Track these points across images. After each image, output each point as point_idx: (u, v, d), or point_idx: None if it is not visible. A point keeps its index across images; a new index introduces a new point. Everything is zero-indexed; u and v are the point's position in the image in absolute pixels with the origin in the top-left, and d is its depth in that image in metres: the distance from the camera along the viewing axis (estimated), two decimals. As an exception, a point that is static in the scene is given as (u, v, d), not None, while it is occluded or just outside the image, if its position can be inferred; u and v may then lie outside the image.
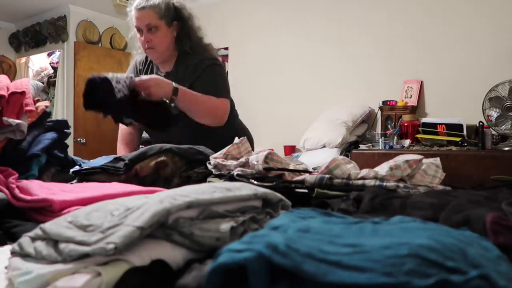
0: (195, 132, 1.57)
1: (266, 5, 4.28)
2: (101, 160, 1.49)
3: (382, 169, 0.86)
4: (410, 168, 0.87)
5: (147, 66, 1.75)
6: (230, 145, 1.12)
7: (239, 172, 0.93)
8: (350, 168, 0.88)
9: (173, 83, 1.44)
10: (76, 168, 1.06)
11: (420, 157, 0.90)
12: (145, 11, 1.56)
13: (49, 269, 0.43)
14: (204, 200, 0.52)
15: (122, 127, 1.89)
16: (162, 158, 1.03)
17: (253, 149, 1.63)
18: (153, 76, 1.45)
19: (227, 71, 4.27)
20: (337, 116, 3.34)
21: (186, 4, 1.67)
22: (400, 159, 0.89)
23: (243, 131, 1.80)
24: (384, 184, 0.81)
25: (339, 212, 0.66)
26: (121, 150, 1.87)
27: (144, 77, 1.40)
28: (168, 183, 1.03)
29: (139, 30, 1.61)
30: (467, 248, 0.36)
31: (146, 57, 1.76)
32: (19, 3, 4.97)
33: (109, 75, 1.29)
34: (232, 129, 1.68)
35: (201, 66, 1.61)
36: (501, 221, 0.49)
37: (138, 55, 1.79)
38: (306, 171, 0.92)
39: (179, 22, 1.64)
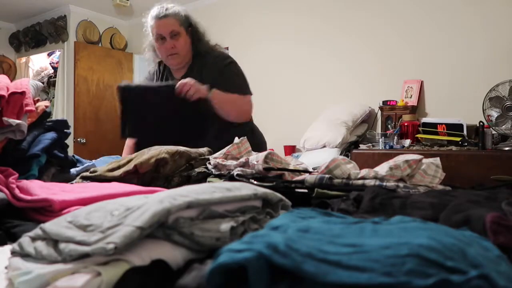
0: (217, 130, 1.61)
1: (266, 6, 4.27)
2: (104, 161, 1.50)
3: (382, 169, 0.86)
4: (410, 168, 0.87)
5: (161, 75, 1.83)
6: (230, 145, 1.12)
7: (239, 172, 0.93)
8: (350, 168, 0.88)
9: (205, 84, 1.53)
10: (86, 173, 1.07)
11: (420, 157, 0.90)
12: (167, 19, 1.68)
13: (49, 269, 0.43)
14: (204, 200, 0.52)
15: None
16: (163, 155, 1.02)
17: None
18: (187, 79, 1.51)
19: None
20: (337, 116, 3.34)
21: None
22: (400, 159, 0.89)
23: (257, 131, 1.89)
24: (384, 184, 0.81)
25: (339, 212, 0.66)
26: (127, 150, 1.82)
27: (183, 82, 1.48)
28: (168, 182, 1.03)
29: (161, 38, 1.70)
30: (466, 248, 0.36)
31: (159, 67, 1.85)
32: (19, 3, 4.97)
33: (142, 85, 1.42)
34: (247, 127, 1.74)
35: (219, 64, 1.70)
36: (501, 221, 0.49)
37: (150, 68, 1.91)
38: (306, 171, 0.92)
39: (191, 28, 1.76)
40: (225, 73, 1.69)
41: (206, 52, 1.76)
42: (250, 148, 1.15)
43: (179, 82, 1.47)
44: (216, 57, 1.74)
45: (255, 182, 0.87)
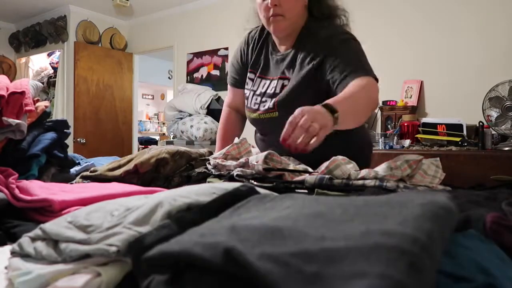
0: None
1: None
2: (105, 160, 1.50)
3: (382, 169, 0.86)
4: (410, 168, 0.87)
5: (261, 44, 1.39)
6: (230, 145, 1.11)
7: (238, 173, 0.93)
8: (350, 168, 0.88)
9: (327, 111, 0.90)
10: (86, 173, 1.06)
11: (420, 157, 0.90)
12: None
13: (49, 269, 0.43)
14: (203, 202, 0.52)
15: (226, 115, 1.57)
16: (163, 155, 1.02)
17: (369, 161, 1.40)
18: (303, 112, 0.86)
19: (227, 72, 4.26)
20: (337, 116, 3.33)
21: None
22: (400, 159, 0.89)
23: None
24: (384, 184, 0.81)
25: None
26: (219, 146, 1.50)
27: (287, 137, 0.85)
28: (168, 182, 1.03)
29: None
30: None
31: (261, 32, 1.41)
32: (19, 3, 4.98)
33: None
34: (361, 131, 1.35)
35: (334, 40, 1.23)
36: (501, 221, 0.49)
37: (250, 30, 1.47)
38: (306, 171, 0.92)
39: None
40: (341, 48, 1.21)
41: (324, 19, 1.30)
42: (250, 148, 1.14)
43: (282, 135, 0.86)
44: (333, 32, 1.25)
45: (255, 183, 0.87)
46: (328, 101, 0.95)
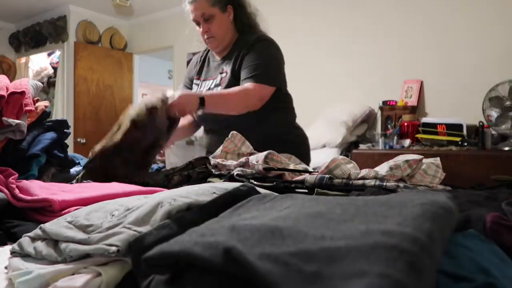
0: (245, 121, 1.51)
1: (265, 6, 4.27)
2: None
3: (382, 169, 0.86)
4: (410, 168, 0.87)
5: (204, 57, 1.78)
6: (224, 142, 1.13)
7: (239, 172, 0.93)
8: (350, 168, 0.88)
9: (198, 93, 1.43)
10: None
11: (420, 157, 0.90)
12: (197, 2, 1.59)
13: (49, 269, 0.43)
14: (203, 202, 0.52)
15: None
16: (155, 104, 1.13)
17: (309, 159, 1.69)
18: (178, 94, 1.35)
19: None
20: (337, 116, 3.34)
21: None
22: (400, 159, 0.89)
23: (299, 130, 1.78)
24: (384, 184, 0.81)
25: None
26: None
27: (171, 97, 1.32)
28: (168, 181, 1.03)
29: (197, 23, 1.64)
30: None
31: (205, 48, 1.78)
32: (19, 3, 4.98)
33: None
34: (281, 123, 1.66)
35: (253, 42, 1.59)
36: (501, 221, 0.49)
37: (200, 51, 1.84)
38: (306, 171, 0.92)
39: (234, 5, 1.65)
40: (252, 51, 1.56)
41: (249, 30, 1.66)
42: (244, 139, 1.17)
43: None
44: (257, 36, 1.62)
45: (255, 182, 0.87)
46: (205, 93, 1.45)
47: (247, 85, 1.51)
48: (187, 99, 1.36)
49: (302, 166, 1.01)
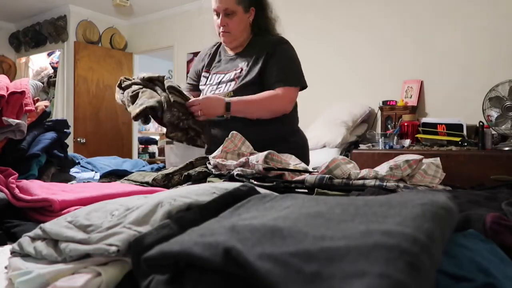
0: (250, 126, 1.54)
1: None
2: (104, 160, 1.50)
3: (382, 169, 0.86)
4: (410, 168, 0.87)
5: (215, 51, 1.78)
6: (224, 142, 1.13)
7: (239, 172, 0.93)
8: (350, 168, 0.88)
9: (225, 98, 1.49)
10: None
11: (420, 157, 0.90)
12: None
13: (49, 269, 0.43)
14: (203, 202, 0.52)
15: None
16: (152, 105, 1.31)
17: (309, 160, 1.69)
18: (204, 97, 1.48)
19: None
20: (337, 116, 3.34)
21: None
22: (400, 159, 0.89)
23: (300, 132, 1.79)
24: (384, 184, 0.81)
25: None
26: None
27: (194, 100, 1.42)
28: (168, 180, 1.03)
29: (217, 14, 1.65)
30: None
31: (216, 43, 1.81)
32: (19, 3, 4.98)
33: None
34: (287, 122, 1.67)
35: (275, 44, 1.62)
36: (501, 221, 0.49)
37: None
38: (306, 171, 0.92)
39: (257, 8, 1.68)
40: (277, 55, 1.60)
41: (266, 33, 1.69)
42: (243, 139, 1.17)
43: (190, 100, 1.43)
44: (274, 38, 1.67)
45: (255, 182, 0.87)
46: (232, 99, 1.50)
47: (276, 90, 1.55)
48: (212, 103, 1.45)
49: (302, 166, 1.01)
